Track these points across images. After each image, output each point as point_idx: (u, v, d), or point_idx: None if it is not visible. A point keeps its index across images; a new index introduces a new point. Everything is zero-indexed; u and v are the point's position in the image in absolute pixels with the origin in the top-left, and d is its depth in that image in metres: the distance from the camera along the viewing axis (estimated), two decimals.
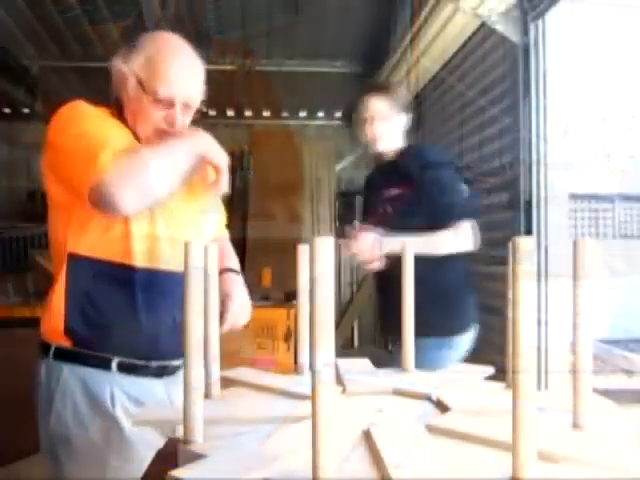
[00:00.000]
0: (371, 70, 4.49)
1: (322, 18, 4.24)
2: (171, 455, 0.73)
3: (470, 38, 3.22)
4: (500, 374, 1.00)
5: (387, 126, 2.08)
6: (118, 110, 1.33)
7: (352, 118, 2.53)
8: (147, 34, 1.33)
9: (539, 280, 2.36)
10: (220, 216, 1.58)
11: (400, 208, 2.03)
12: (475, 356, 1.91)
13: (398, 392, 0.95)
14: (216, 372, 0.90)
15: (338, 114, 6.40)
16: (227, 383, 0.98)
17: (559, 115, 2.74)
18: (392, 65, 3.86)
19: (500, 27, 2.73)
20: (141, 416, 0.82)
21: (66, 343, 1.28)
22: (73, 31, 4.44)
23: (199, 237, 1.36)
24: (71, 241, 1.28)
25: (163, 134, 1.29)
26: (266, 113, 6.83)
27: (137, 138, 1.30)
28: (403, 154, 2.09)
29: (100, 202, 1.17)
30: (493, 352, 1.51)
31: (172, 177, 1.21)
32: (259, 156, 6.06)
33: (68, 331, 1.28)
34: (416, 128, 3.60)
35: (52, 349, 1.30)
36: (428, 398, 0.90)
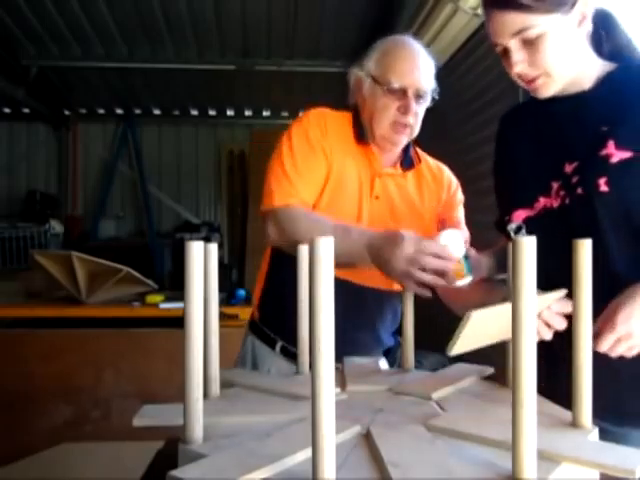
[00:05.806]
0: None
1: (321, 18, 4.24)
2: (171, 455, 0.73)
3: (470, 38, 3.22)
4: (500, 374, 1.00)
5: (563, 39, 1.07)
6: (355, 115, 1.48)
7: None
8: (379, 40, 1.47)
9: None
10: None
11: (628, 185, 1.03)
12: None
13: (398, 392, 0.95)
14: (216, 372, 0.90)
15: None
16: (226, 383, 0.98)
17: None
18: None
19: None
20: (141, 415, 0.82)
21: (256, 317, 1.53)
22: (73, 31, 4.44)
23: None
24: None
25: (398, 127, 1.40)
26: (266, 113, 6.84)
27: (372, 136, 1.43)
28: (616, 81, 1.11)
29: (266, 220, 1.36)
30: None
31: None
32: (258, 156, 6.06)
33: (258, 308, 1.54)
34: None
35: (249, 320, 1.57)
36: (428, 398, 0.90)
